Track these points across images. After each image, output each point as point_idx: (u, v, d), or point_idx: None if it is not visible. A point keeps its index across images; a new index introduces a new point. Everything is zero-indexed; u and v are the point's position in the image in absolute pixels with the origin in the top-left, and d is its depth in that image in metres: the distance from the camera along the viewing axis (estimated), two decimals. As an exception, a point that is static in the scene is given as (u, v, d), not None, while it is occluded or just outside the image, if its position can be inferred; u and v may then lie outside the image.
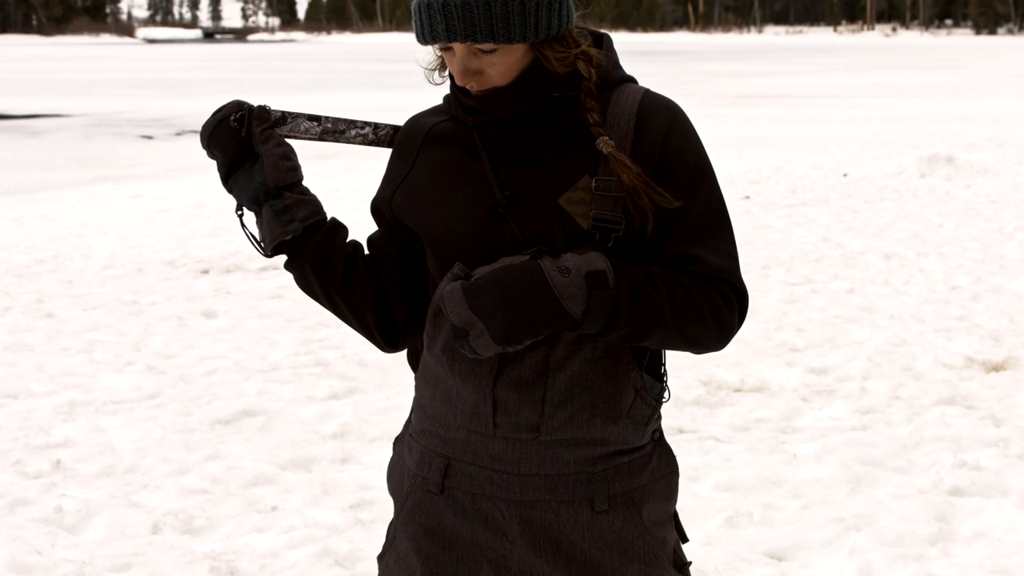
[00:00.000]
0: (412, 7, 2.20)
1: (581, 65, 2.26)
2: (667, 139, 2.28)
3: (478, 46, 2.18)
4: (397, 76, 47.91)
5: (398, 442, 2.53)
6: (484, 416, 2.29)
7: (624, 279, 2.18)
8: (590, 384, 2.28)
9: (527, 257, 2.17)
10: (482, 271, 2.18)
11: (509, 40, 2.15)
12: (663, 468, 2.41)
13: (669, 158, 2.27)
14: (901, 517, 5.09)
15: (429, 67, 2.37)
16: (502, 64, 2.21)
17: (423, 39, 2.20)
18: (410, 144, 2.42)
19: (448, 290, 2.17)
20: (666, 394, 2.39)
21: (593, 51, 2.28)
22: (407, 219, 2.39)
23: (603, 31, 2.35)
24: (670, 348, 2.29)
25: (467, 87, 2.24)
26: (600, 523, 2.33)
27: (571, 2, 2.24)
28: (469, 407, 2.30)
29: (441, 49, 2.26)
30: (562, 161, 2.26)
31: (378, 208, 2.46)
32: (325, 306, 2.45)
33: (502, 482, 2.32)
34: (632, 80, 2.36)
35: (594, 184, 2.23)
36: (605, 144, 2.21)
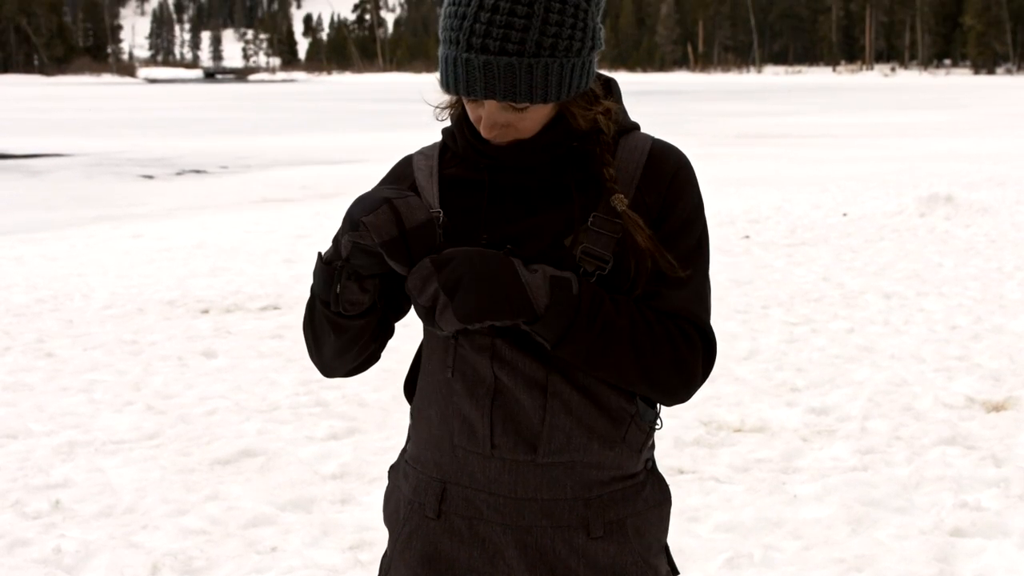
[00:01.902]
0: (444, 56, 2.20)
1: (601, 120, 2.30)
2: (671, 185, 2.33)
3: (513, 104, 2.20)
4: (398, 116, 48.05)
5: (393, 470, 2.55)
6: (482, 435, 2.31)
7: (587, 293, 2.22)
8: (588, 408, 2.31)
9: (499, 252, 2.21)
10: (454, 250, 2.21)
11: (546, 100, 2.18)
12: (656, 496, 2.45)
13: (668, 203, 2.32)
14: (902, 558, 5.07)
15: (441, 106, 2.39)
16: (532, 120, 2.24)
17: (456, 91, 2.20)
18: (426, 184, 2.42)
19: (418, 265, 2.20)
20: (659, 422, 2.43)
21: (612, 105, 2.32)
22: None
23: (610, 76, 2.37)
24: (627, 384, 2.29)
25: (491, 139, 2.26)
26: (595, 549, 2.36)
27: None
28: (467, 426, 2.33)
29: (469, 100, 2.27)
30: (571, 209, 2.29)
31: None
32: (335, 345, 2.39)
33: (499, 506, 2.34)
34: (637, 127, 2.40)
35: (591, 220, 2.27)
36: (620, 202, 2.26)
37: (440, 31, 2.21)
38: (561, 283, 2.20)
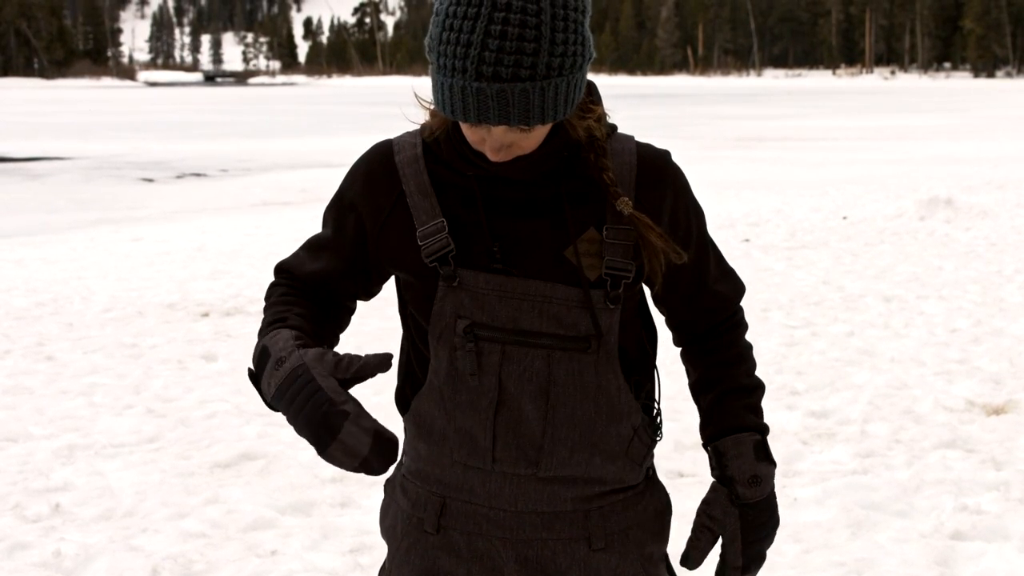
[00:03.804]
0: (447, 84, 2.11)
1: (595, 127, 2.29)
2: (676, 200, 2.37)
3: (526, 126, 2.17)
4: (397, 119, 47.92)
5: (389, 484, 2.53)
6: (484, 449, 2.30)
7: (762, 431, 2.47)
8: (591, 423, 2.31)
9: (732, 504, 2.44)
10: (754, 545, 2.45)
11: (555, 119, 2.15)
12: (656, 505, 2.46)
13: (679, 218, 2.38)
14: (902, 561, 5.07)
15: (431, 127, 2.33)
16: (536, 137, 2.21)
17: (465, 119, 2.13)
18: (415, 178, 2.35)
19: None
20: (660, 433, 2.45)
21: (601, 110, 2.32)
22: (390, 260, 2.37)
23: (589, 79, 2.35)
24: None
25: (496, 160, 2.22)
26: (597, 561, 2.36)
27: None
28: (468, 440, 2.32)
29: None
30: (567, 214, 2.28)
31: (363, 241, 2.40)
32: None
33: (499, 520, 2.34)
34: (615, 127, 2.39)
35: (605, 233, 2.28)
36: (626, 205, 2.26)
37: (435, 56, 2.12)
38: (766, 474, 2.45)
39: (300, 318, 2.35)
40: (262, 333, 2.33)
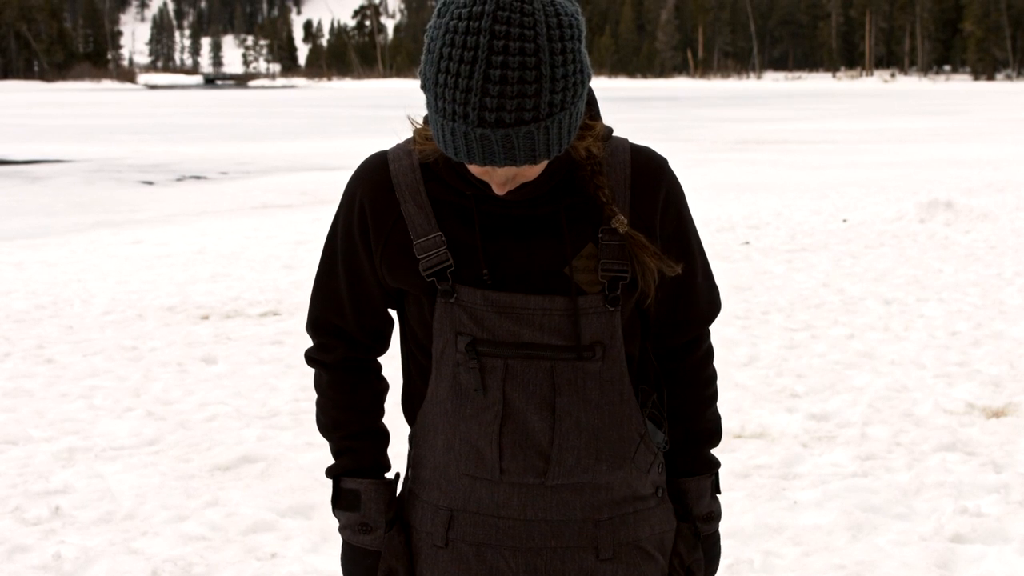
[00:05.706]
0: (450, 129, 2.07)
1: (595, 147, 2.27)
2: (667, 205, 2.36)
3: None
4: (397, 121, 47.93)
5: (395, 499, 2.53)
6: (491, 462, 2.30)
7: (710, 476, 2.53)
8: (596, 430, 2.30)
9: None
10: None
11: (560, 151, 2.13)
12: (665, 524, 2.45)
13: (669, 223, 2.37)
14: (902, 564, 5.07)
15: (423, 150, 2.30)
16: (540, 166, 2.20)
17: (470, 161, 2.10)
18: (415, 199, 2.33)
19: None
20: (666, 443, 2.44)
21: (599, 126, 2.29)
22: (391, 273, 2.35)
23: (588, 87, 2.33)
24: None
25: (501, 192, 2.21)
26: (604, 571, 2.35)
27: None
28: (475, 453, 2.31)
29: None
30: (565, 233, 2.28)
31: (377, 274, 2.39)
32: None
33: (508, 529, 2.33)
34: (611, 129, 2.37)
35: (600, 236, 2.27)
36: (621, 224, 2.25)
37: (432, 96, 2.07)
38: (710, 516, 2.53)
39: (370, 439, 2.50)
40: (340, 452, 2.49)
